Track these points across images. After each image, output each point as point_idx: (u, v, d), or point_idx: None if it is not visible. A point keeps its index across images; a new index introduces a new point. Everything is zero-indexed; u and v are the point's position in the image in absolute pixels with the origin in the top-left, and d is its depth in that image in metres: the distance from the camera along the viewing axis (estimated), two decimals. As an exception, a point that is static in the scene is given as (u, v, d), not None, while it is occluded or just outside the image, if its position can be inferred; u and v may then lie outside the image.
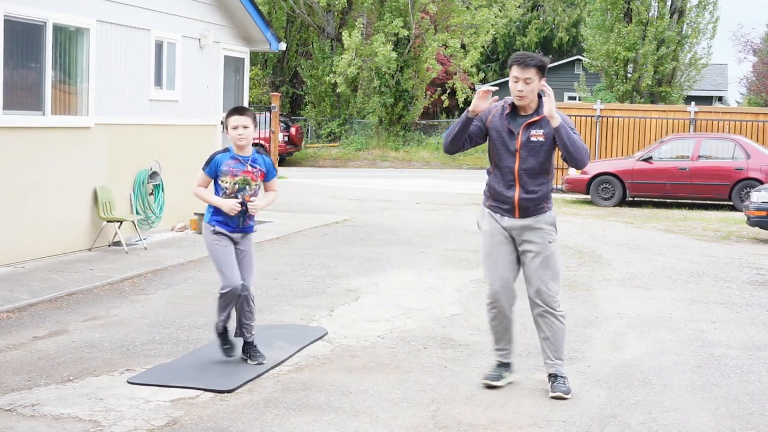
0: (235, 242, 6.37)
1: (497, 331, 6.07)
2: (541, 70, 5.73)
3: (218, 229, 6.33)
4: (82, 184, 11.04)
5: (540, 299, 5.88)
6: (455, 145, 5.91)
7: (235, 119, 6.27)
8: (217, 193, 6.35)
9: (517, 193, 5.82)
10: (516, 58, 5.74)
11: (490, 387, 5.96)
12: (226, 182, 6.28)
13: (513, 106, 5.83)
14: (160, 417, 5.27)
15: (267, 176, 6.44)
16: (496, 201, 5.94)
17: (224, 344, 6.56)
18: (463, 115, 5.82)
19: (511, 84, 5.77)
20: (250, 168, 6.31)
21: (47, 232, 10.48)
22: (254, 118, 6.36)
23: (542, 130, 5.75)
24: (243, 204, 6.28)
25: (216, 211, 6.34)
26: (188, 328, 7.51)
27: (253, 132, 6.34)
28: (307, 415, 5.35)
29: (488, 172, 6.03)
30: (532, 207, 5.84)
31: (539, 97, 5.79)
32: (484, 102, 5.74)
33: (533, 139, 5.74)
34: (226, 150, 6.39)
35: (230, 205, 6.24)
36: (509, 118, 5.81)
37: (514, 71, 5.72)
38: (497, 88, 5.93)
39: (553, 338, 5.90)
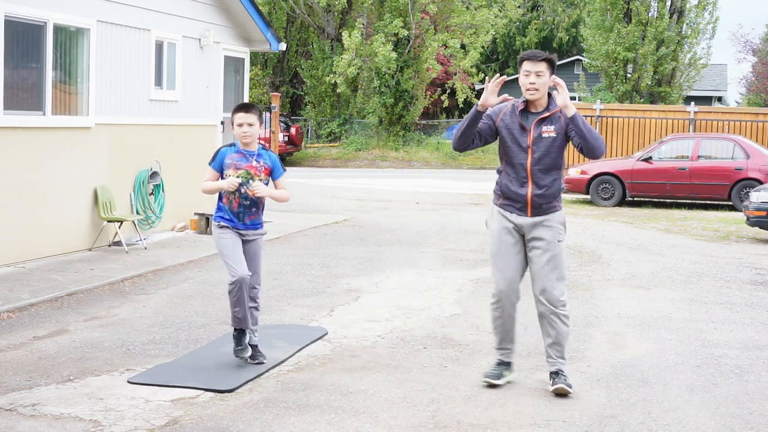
0: (242, 239, 6.35)
1: (500, 330, 6.09)
2: (551, 64, 5.81)
3: (223, 223, 6.35)
4: (82, 184, 11.05)
5: (545, 298, 5.90)
6: (464, 142, 5.91)
7: (240, 116, 6.26)
8: (223, 192, 6.34)
9: (529, 190, 5.84)
10: (526, 53, 5.85)
11: (490, 386, 5.98)
12: (229, 175, 6.28)
13: (525, 105, 5.86)
14: (161, 417, 5.28)
15: (273, 173, 6.37)
16: (508, 199, 5.94)
17: (237, 344, 6.40)
18: (473, 109, 5.82)
19: (522, 80, 5.82)
20: (254, 163, 6.30)
21: (48, 232, 10.49)
22: (260, 115, 6.34)
23: (553, 126, 5.80)
24: (242, 185, 6.21)
25: (220, 207, 6.36)
26: (188, 328, 7.51)
27: (259, 129, 6.32)
28: (307, 415, 5.36)
29: (498, 171, 6.04)
30: (545, 204, 5.87)
31: (548, 95, 5.85)
32: (493, 96, 5.77)
33: (545, 134, 5.79)
34: (232, 145, 6.40)
35: (229, 181, 6.20)
36: (521, 116, 5.85)
37: (526, 66, 5.78)
38: (506, 77, 5.93)
39: (556, 339, 5.93)
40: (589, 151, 5.75)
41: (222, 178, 6.33)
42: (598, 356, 6.91)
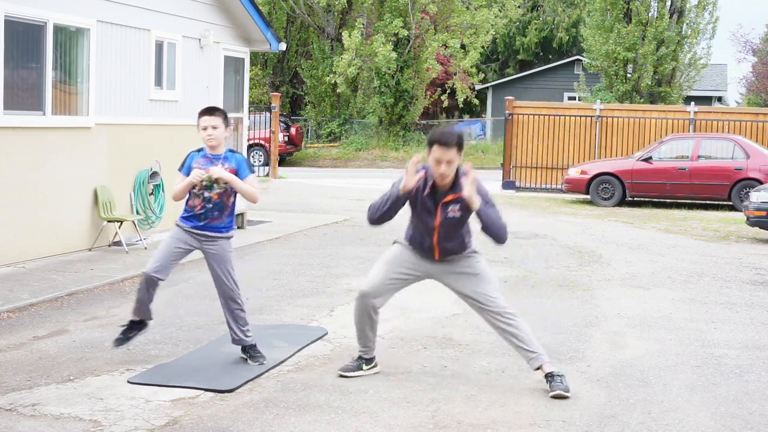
0: (200, 242, 6.34)
1: (357, 326, 6.24)
2: (461, 147, 5.78)
3: (179, 223, 6.39)
4: (82, 184, 11.05)
5: (494, 314, 5.99)
6: (383, 220, 6.04)
7: (205, 120, 6.29)
8: (190, 195, 6.35)
9: (437, 251, 6.01)
10: (436, 136, 5.75)
11: (342, 377, 6.15)
12: None
13: (433, 183, 5.87)
14: (161, 417, 5.28)
15: (239, 174, 6.31)
16: (418, 246, 6.08)
17: (123, 328, 6.51)
18: (394, 192, 5.85)
19: (432, 165, 5.78)
20: (219, 165, 6.29)
21: (48, 232, 10.49)
22: (225, 118, 6.35)
23: (459, 205, 5.86)
24: (205, 189, 6.22)
25: (185, 209, 6.39)
26: (188, 328, 7.51)
27: (224, 132, 6.31)
28: (307, 415, 5.36)
29: (409, 220, 6.11)
30: (452, 253, 6.02)
31: (456, 171, 5.83)
32: (414, 178, 5.78)
33: (451, 215, 5.87)
34: (200, 149, 6.41)
35: (195, 173, 6.20)
36: (429, 197, 5.88)
37: (437, 152, 5.72)
38: (422, 162, 5.87)
39: (522, 338, 5.98)
40: (492, 239, 5.91)
41: None
42: (598, 356, 6.91)
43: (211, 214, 6.31)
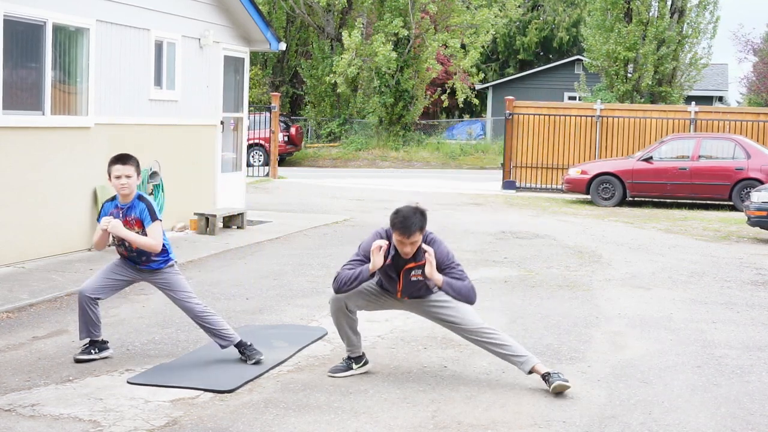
0: (144, 276, 6.46)
1: (337, 329, 6.34)
2: (422, 229, 5.92)
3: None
4: (82, 184, 11.04)
5: (473, 336, 6.13)
6: (348, 292, 6.14)
7: (117, 168, 6.28)
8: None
9: (400, 296, 6.19)
10: (398, 226, 5.87)
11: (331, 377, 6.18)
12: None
13: (396, 253, 6.01)
14: (160, 417, 5.27)
15: (143, 223, 6.32)
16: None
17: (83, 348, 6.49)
18: (365, 271, 5.98)
19: (397, 245, 5.94)
20: (122, 217, 6.32)
21: (47, 232, 10.48)
22: (137, 166, 6.35)
23: (421, 270, 6.00)
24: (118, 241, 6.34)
25: None
26: (188, 328, 7.50)
27: (136, 180, 6.34)
28: (307, 415, 5.35)
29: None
30: (419, 297, 6.18)
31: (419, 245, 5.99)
32: (381, 257, 5.95)
33: (413, 278, 6.05)
34: (114, 198, 6.44)
35: (97, 229, 6.29)
36: (391, 266, 6.03)
37: (399, 236, 5.89)
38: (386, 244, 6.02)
39: (507, 348, 6.07)
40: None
41: None
42: (598, 356, 6.90)
43: (139, 258, 6.40)
